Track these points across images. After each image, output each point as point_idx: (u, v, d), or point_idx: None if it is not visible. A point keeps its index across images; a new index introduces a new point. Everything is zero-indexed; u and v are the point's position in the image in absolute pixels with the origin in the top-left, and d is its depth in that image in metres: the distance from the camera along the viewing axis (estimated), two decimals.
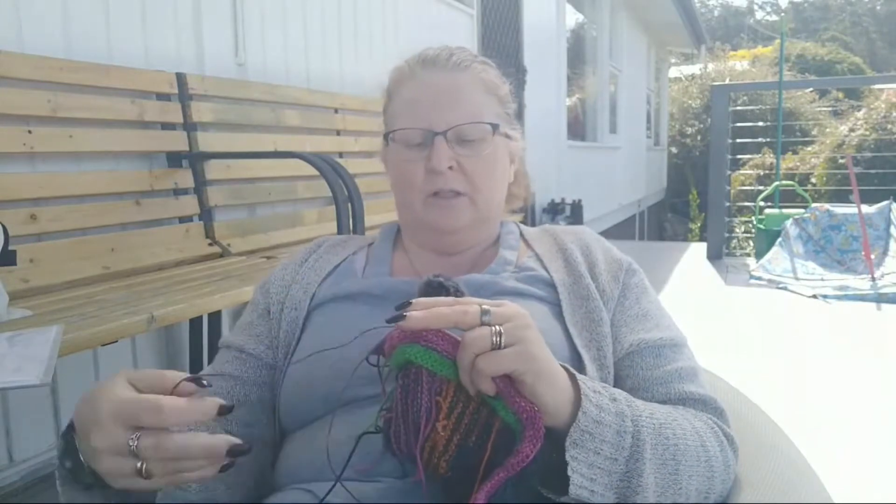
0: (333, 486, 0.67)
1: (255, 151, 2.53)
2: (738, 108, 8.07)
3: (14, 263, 1.40)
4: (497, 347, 0.60)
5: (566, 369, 0.67)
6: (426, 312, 0.61)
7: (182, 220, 2.22)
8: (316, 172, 2.09)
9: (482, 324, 0.60)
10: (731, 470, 0.76)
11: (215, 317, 2.14)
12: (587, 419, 0.64)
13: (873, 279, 4.61)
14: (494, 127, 0.88)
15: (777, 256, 5.23)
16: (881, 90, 10.17)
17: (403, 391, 0.61)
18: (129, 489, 0.57)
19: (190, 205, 2.24)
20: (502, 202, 0.95)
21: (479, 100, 0.88)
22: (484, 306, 0.61)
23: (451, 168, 0.85)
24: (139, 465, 0.55)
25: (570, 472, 0.62)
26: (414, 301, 0.63)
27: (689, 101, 15.08)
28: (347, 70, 3.28)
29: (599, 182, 8.51)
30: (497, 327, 0.60)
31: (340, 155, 2.97)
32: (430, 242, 0.92)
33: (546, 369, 0.63)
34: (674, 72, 16.81)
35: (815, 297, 4.47)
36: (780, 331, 3.81)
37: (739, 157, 8.02)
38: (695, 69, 16.51)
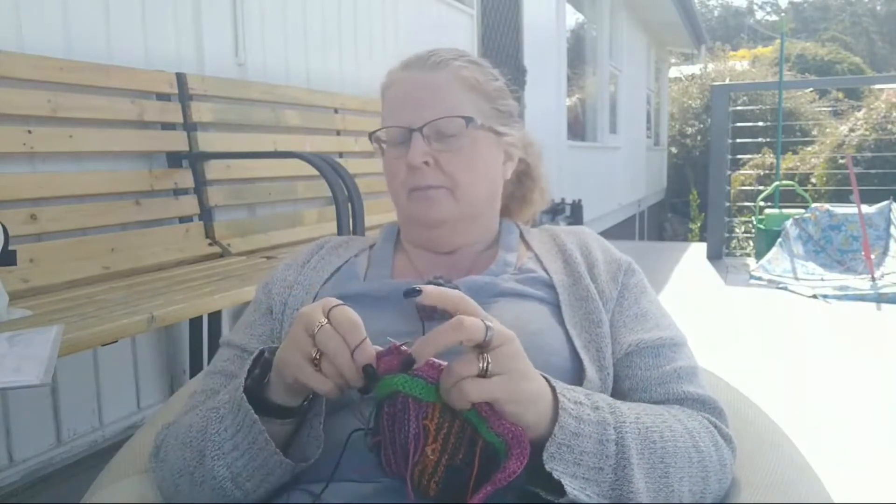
0: (325, 487, 0.67)
1: (255, 151, 2.53)
2: (738, 108, 8.07)
3: (14, 263, 1.40)
4: (483, 374, 0.60)
5: (547, 380, 0.67)
6: (435, 338, 0.61)
7: (182, 220, 2.22)
8: (316, 172, 2.09)
9: (486, 339, 0.61)
10: (728, 469, 0.76)
11: (215, 317, 2.14)
12: (564, 433, 0.64)
13: (873, 279, 4.61)
14: (468, 120, 0.87)
15: (777, 256, 5.23)
16: (881, 90, 10.18)
17: (390, 419, 0.62)
18: (296, 378, 0.65)
19: (190, 205, 2.23)
20: (492, 198, 0.95)
21: (457, 96, 0.88)
22: (487, 322, 0.62)
23: (426, 163, 0.86)
24: (316, 351, 0.63)
25: (557, 478, 0.62)
26: (424, 290, 0.64)
27: (689, 101, 15.08)
28: (347, 70, 3.28)
29: (599, 182, 8.51)
30: (486, 355, 0.61)
31: (340, 155, 2.97)
32: (420, 238, 0.93)
33: (529, 398, 0.63)
34: (674, 72, 16.80)
35: (815, 297, 4.47)
36: (780, 331, 3.81)
37: (739, 157, 8.02)
38: (695, 69, 16.50)
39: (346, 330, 0.63)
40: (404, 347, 0.62)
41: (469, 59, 0.92)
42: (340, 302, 0.66)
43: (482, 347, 0.61)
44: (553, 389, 0.66)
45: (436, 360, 0.62)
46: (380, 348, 0.64)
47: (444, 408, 0.62)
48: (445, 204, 0.88)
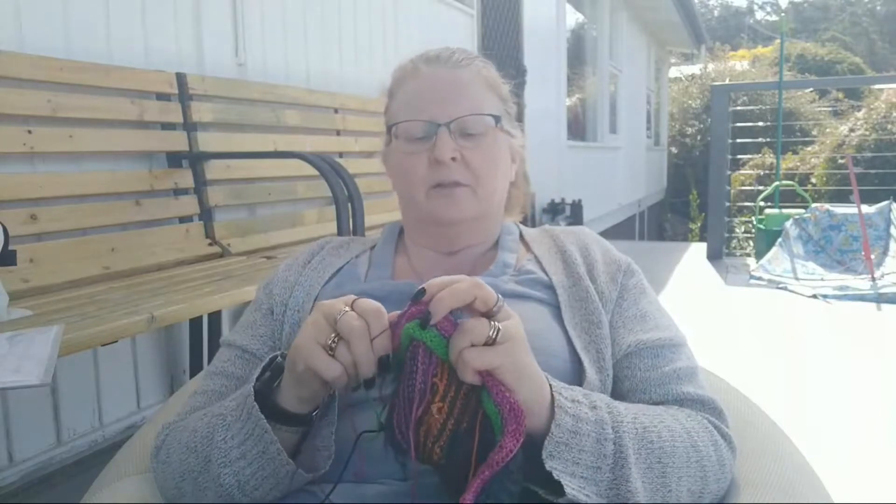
0: (333, 488, 0.67)
1: (255, 151, 2.53)
2: (738, 108, 8.07)
3: (14, 263, 1.40)
4: (491, 342, 0.60)
5: (546, 378, 0.67)
6: (452, 292, 0.61)
7: (182, 220, 2.22)
8: (316, 172, 2.09)
9: (496, 307, 0.61)
10: (728, 469, 0.76)
11: (215, 317, 2.14)
12: (561, 431, 0.64)
13: (873, 279, 4.61)
14: (497, 119, 0.88)
15: (777, 256, 5.22)
16: (881, 90, 10.18)
17: (406, 370, 0.61)
18: (306, 364, 0.64)
19: (190, 205, 2.23)
20: (503, 199, 0.96)
21: (481, 94, 0.89)
22: (498, 294, 0.62)
23: (454, 159, 0.85)
24: (333, 337, 0.63)
25: (557, 478, 0.62)
26: (427, 284, 0.63)
27: (689, 101, 15.08)
28: (347, 70, 3.28)
29: (599, 182, 8.51)
30: (496, 323, 0.61)
31: (340, 155, 2.97)
32: (432, 238, 0.92)
33: (529, 374, 0.63)
34: (674, 72, 16.80)
35: (815, 297, 4.47)
36: (780, 331, 3.81)
37: (739, 157, 8.02)
38: (695, 69, 16.51)
39: (371, 317, 0.63)
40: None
41: (484, 60, 0.93)
42: (360, 298, 0.66)
43: (490, 316, 0.62)
44: (550, 387, 0.66)
45: (450, 316, 0.62)
46: (395, 314, 0.64)
47: (452, 370, 0.62)
48: (468, 202, 0.87)
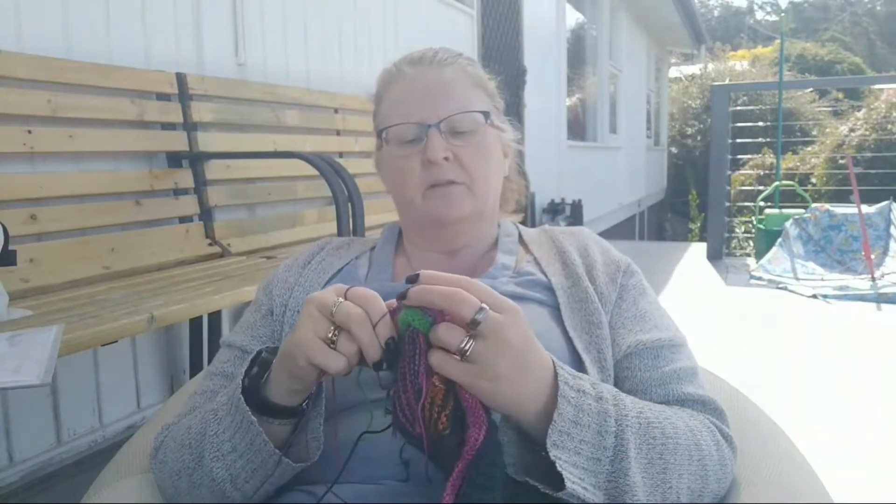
0: (328, 490, 0.67)
1: (255, 151, 2.53)
2: (738, 108, 8.07)
3: (14, 263, 1.40)
4: (460, 353, 0.60)
5: (554, 364, 0.66)
6: (430, 289, 0.61)
7: (182, 220, 2.22)
8: (316, 172, 2.09)
9: (473, 321, 0.60)
10: (728, 469, 0.76)
11: (215, 317, 2.14)
12: (563, 420, 0.63)
13: (873, 279, 4.61)
14: (486, 115, 0.88)
15: (777, 256, 5.23)
16: (881, 90, 10.18)
17: (407, 354, 0.62)
18: (309, 359, 0.63)
19: (190, 205, 2.23)
20: (498, 195, 0.96)
21: (468, 92, 0.89)
22: (484, 305, 0.61)
23: (446, 159, 0.86)
24: (334, 330, 0.63)
25: (559, 469, 0.62)
26: (422, 273, 0.63)
27: (689, 101, 15.08)
28: (347, 70, 3.28)
29: (599, 182, 8.51)
30: (470, 341, 0.60)
31: (340, 155, 2.97)
32: (431, 239, 0.92)
33: (491, 397, 0.62)
34: (674, 72, 16.80)
35: (815, 297, 4.47)
36: (780, 331, 3.81)
37: (739, 157, 8.01)
38: (695, 69, 16.51)
39: (368, 304, 0.63)
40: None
41: (468, 58, 0.94)
42: (351, 287, 0.66)
43: (472, 326, 0.60)
44: (556, 376, 0.65)
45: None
46: (393, 301, 0.64)
47: None
48: (464, 200, 0.87)
